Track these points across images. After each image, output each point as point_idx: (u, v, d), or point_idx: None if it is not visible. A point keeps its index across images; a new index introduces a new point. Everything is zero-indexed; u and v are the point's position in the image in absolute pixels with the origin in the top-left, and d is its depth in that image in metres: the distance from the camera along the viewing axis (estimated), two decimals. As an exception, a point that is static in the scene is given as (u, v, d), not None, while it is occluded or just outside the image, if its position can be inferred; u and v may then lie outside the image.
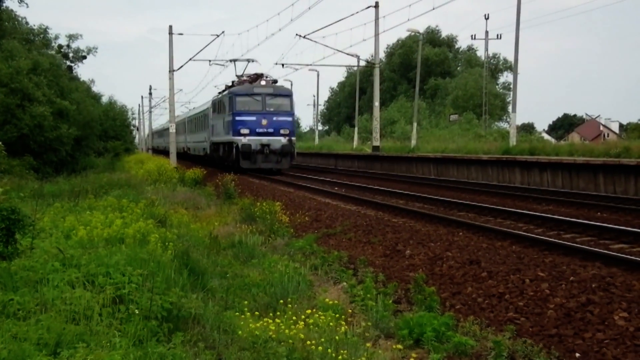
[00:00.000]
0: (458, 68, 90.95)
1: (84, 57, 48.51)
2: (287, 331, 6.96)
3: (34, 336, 5.66)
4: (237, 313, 7.78)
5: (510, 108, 41.64)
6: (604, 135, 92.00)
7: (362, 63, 54.58)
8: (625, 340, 6.89)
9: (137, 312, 6.34)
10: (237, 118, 34.47)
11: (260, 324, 7.15)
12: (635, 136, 35.23)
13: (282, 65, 52.41)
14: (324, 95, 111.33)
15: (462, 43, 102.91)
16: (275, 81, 36.96)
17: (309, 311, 7.85)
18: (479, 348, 7.22)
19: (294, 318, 7.56)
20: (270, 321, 7.27)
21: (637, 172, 20.93)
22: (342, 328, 7.27)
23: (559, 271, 9.40)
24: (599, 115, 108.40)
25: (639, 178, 20.88)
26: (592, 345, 7.00)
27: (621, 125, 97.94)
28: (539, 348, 7.09)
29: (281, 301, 8.52)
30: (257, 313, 7.75)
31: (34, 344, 5.55)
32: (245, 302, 8.40)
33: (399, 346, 7.06)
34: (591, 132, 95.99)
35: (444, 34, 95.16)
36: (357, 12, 54.35)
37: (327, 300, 8.73)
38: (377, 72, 43.25)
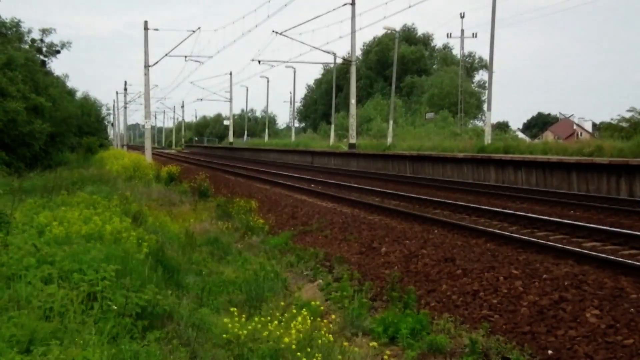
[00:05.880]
0: (434, 66, 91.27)
1: (58, 52, 47.61)
2: (262, 329, 6.95)
3: (6, 333, 5.59)
4: (214, 312, 7.75)
5: (485, 106, 41.90)
6: (578, 134, 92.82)
7: (339, 60, 54.79)
8: (597, 337, 6.98)
9: (111, 309, 6.29)
10: None
11: (236, 322, 7.13)
12: (607, 135, 35.47)
13: (259, 61, 52.45)
14: (301, 93, 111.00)
15: (438, 41, 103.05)
16: None
17: (284, 314, 7.82)
18: (454, 345, 7.27)
19: (269, 317, 7.55)
20: (245, 320, 7.25)
21: (609, 171, 21.17)
22: (318, 326, 7.28)
23: (532, 269, 9.49)
24: (572, 115, 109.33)
25: (612, 176, 21.12)
26: (565, 342, 7.08)
27: (594, 125, 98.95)
28: (513, 345, 7.16)
29: (257, 300, 8.50)
30: (233, 309, 7.72)
31: (6, 341, 5.48)
32: (221, 300, 8.36)
33: (375, 344, 7.08)
34: (565, 131, 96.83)
35: (420, 32, 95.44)
36: (334, 10, 54.54)
37: (303, 297, 8.73)
38: (353, 69, 43.31)
